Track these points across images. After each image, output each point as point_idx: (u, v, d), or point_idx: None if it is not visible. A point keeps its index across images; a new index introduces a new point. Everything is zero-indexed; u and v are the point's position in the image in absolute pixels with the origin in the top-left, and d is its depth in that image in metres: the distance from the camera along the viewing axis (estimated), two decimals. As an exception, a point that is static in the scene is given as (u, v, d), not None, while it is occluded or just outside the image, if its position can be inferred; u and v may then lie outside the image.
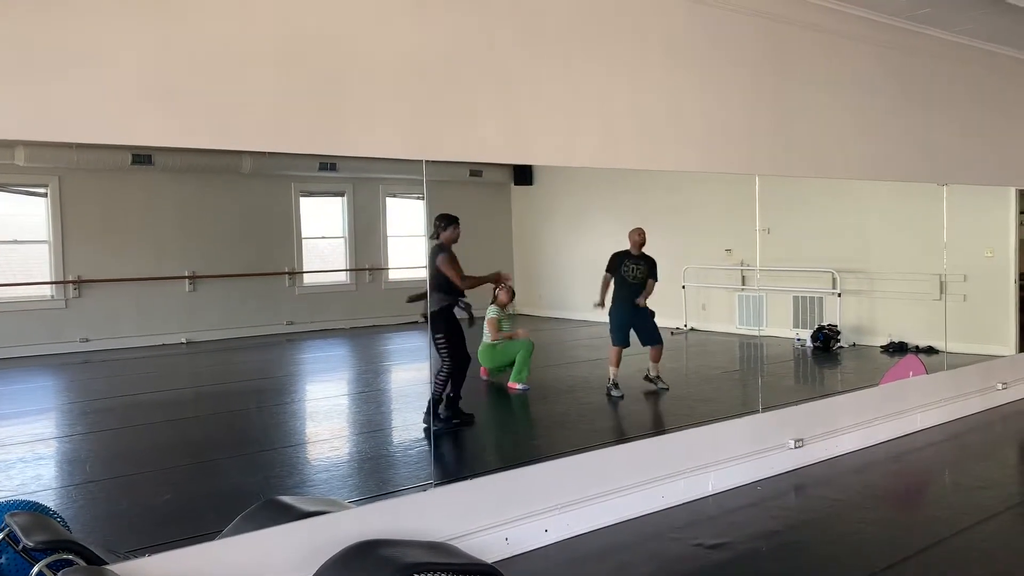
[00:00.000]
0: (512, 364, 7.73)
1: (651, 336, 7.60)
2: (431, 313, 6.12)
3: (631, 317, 7.54)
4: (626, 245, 7.66)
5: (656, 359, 7.64)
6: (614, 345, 7.51)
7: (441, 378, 6.42)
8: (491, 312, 7.77)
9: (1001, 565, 4.18)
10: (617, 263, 7.56)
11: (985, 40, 7.10)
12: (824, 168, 6.27)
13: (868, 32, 6.24)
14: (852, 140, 6.31)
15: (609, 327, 7.60)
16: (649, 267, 7.57)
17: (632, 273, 7.53)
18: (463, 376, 6.62)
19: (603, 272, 7.68)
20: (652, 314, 7.63)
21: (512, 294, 7.89)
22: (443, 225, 6.38)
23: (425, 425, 6.39)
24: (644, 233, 7.57)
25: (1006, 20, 6.44)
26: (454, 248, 6.37)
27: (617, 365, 7.49)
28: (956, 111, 7.11)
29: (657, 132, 5.13)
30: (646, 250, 7.60)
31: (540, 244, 11.75)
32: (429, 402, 6.27)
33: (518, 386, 7.73)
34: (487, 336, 7.79)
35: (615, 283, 7.57)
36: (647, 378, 7.67)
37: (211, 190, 10.81)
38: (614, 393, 7.50)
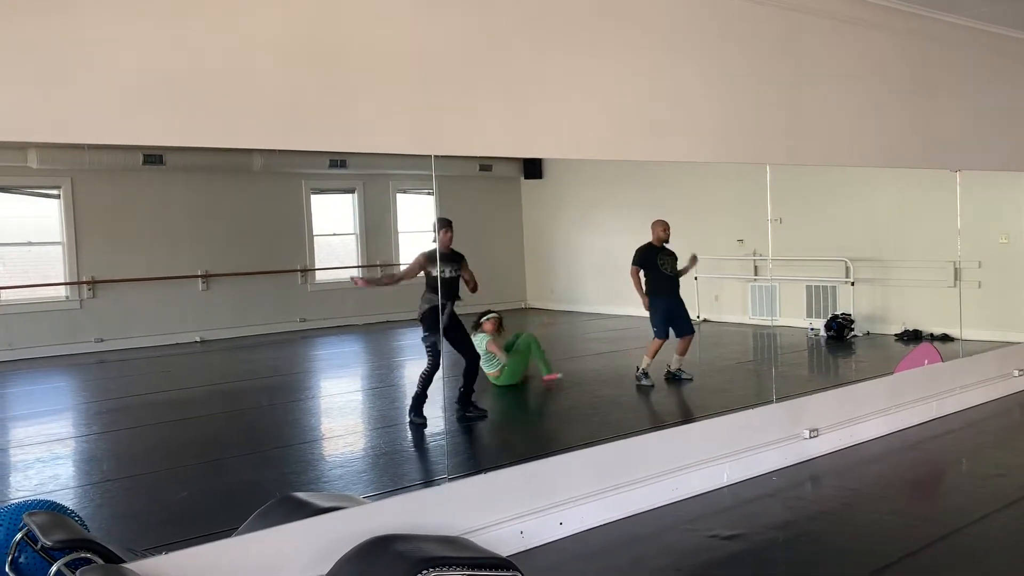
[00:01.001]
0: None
1: (686, 326, 7.64)
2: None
3: (673, 308, 7.58)
4: (640, 237, 7.64)
5: (683, 351, 7.64)
6: (657, 338, 7.54)
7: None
8: (486, 338, 7.56)
9: (1019, 554, 4.15)
10: (650, 257, 7.54)
11: (997, 24, 7.02)
12: (835, 156, 6.22)
13: (879, 18, 6.18)
14: (864, 127, 6.26)
15: (651, 320, 7.60)
16: (673, 257, 7.63)
17: (669, 265, 7.58)
18: (475, 373, 6.67)
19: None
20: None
21: (500, 324, 7.75)
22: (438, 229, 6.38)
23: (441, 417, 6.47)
24: (668, 227, 7.58)
25: (1018, 3, 6.37)
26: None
27: (653, 356, 7.54)
28: (968, 96, 7.04)
29: (665, 123, 5.10)
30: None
31: (551, 238, 11.75)
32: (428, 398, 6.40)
33: (553, 377, 7.78)
34: (491, 366, 7.67)
35: (652, 278, 7.55)
36: (669, 374, 7.67)
37: (223, 189, 10.85)
38: (644, 382, 7.52)
